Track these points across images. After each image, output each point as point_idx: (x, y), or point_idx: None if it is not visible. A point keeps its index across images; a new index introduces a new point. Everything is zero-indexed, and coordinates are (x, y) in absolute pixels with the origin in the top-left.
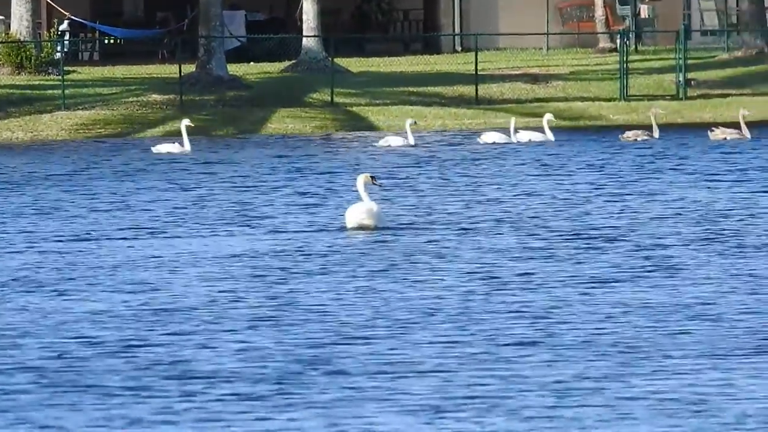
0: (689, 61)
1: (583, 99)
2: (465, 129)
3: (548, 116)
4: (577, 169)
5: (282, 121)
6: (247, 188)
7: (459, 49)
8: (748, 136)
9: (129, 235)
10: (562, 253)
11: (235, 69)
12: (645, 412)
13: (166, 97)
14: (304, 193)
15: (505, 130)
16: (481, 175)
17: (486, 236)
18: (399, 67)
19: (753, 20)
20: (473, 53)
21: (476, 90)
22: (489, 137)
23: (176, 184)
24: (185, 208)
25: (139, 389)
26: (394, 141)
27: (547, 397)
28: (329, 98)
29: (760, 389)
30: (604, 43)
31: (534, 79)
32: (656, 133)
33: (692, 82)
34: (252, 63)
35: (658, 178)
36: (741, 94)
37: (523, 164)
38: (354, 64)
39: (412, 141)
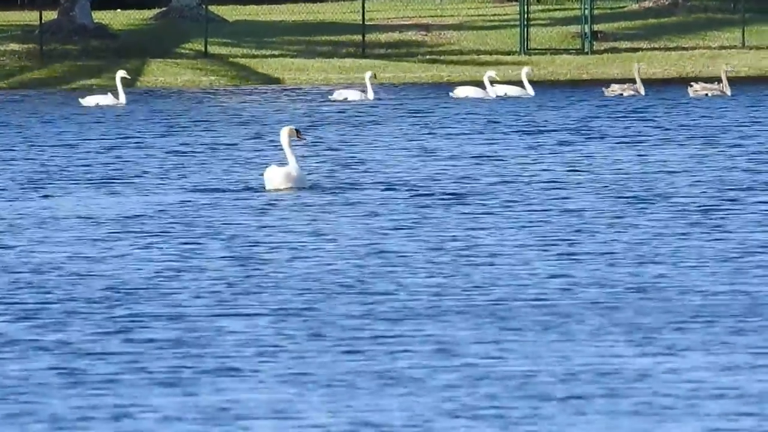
0: (596, 12)
1: (479, 52)
2: (350, 82)
3: (526, 69)
4: (555, 127)
5: (152, 74)
6: (202, 143)
7: None
8: (729, 92)
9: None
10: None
11: (101, 17)
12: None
13: (26, 46)
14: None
15: (479, 84)
16: (448, 132)
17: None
18: (279, 16)
19: None
20: (360, 1)
21: (363, 41)
22: (462, 91)
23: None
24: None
25: None
26: (351, 95)
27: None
28: (203, 48)
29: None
30: None
31: (426, 29)
32: (642, 89)
33: (599, 35)
34: (119, 10)
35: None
36: (652, 48)
37: (494, 122)
38: (230, 12)
39: (371, 95)
